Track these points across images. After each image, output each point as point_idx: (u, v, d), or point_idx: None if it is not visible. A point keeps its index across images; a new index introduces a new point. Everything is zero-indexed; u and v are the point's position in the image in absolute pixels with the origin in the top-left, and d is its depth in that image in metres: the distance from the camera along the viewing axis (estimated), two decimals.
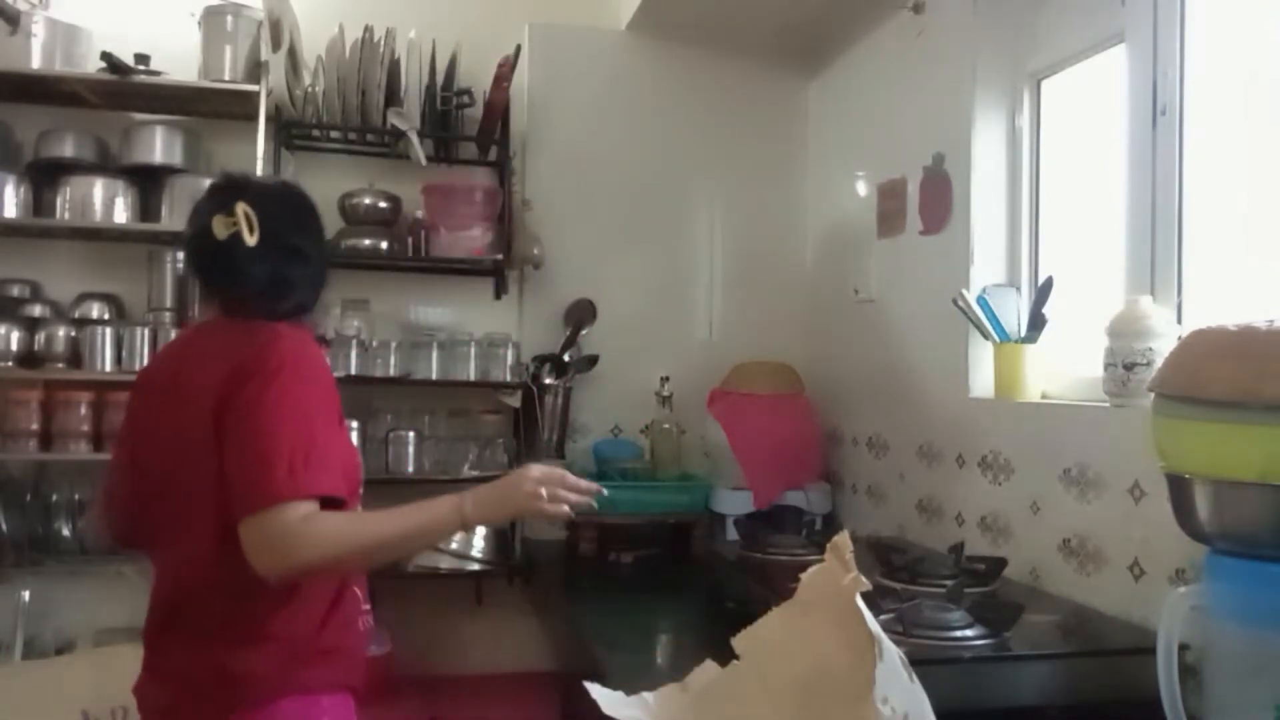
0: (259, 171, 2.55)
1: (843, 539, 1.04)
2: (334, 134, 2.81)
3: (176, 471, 1.35)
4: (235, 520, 1.25)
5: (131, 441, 1.48)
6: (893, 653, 0.98)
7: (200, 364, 1.38)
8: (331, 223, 2.82)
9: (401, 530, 1.34)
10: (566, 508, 1.46)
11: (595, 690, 1.05)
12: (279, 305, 1.43)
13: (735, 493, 2.66)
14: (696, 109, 3.01)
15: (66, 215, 2.54)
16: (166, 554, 1.40)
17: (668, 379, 2.82)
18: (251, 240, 1.37)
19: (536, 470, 1.44)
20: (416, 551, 1.62)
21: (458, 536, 2.54)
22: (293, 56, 2.66)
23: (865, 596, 0.99)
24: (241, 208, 1.38)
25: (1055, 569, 1.80)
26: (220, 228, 1.38)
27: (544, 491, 1.42)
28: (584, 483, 1.47)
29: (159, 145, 2.63)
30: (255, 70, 2.59)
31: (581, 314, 2.86)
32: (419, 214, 2.78)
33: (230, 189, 1.44)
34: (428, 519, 1.36)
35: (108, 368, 2.51)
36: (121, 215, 2.56)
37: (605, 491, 1.47)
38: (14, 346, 2.50)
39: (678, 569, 2.57)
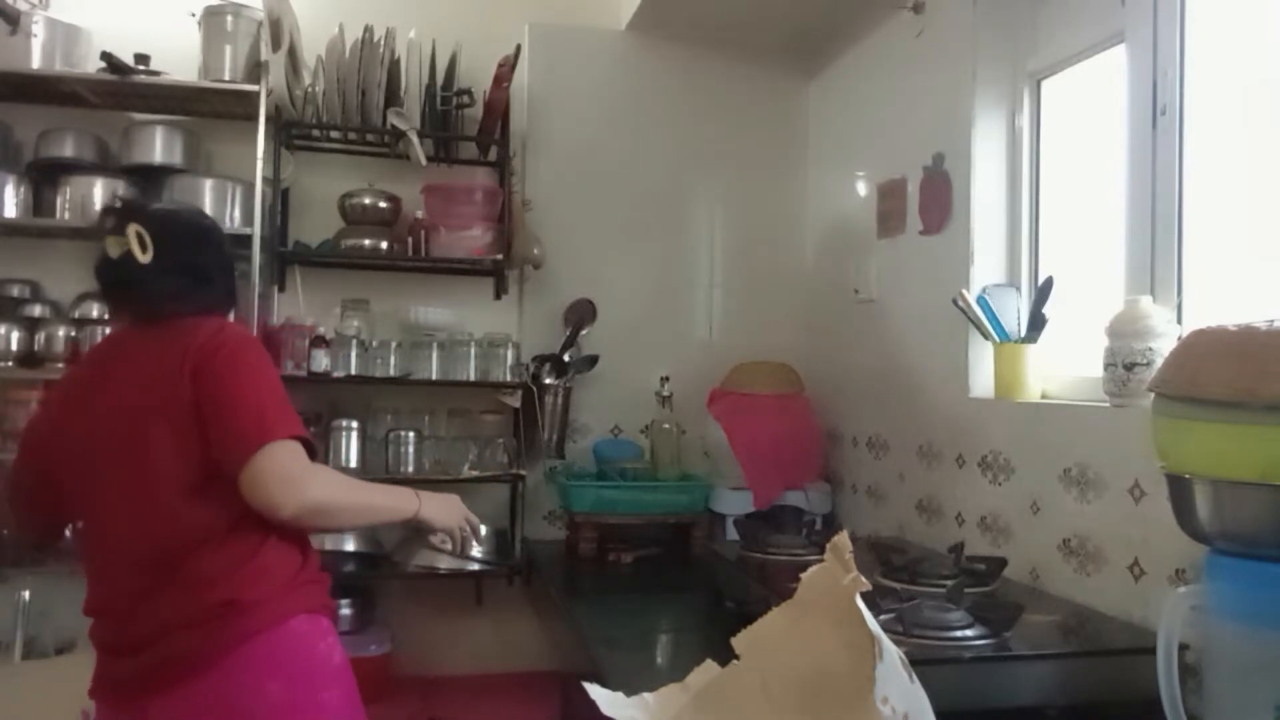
0: (259, 172, 2.56)
1: (842, 539, 1.04)
2: (334, 134, 2.81)
3: (130, 446, 1.46)
4: (229, 470, 1.41)
5: (57, 432, 1.58)
6: (892, 653, 0.98)
7: (145, 352, 1.53)
8: (332, 223, 2.82)
9: (381, 503, 1.62)
10: (451, 544, 1.76)
11: (594, 691, 1.05)
12: (185, 310, 1.57)
13: (735, 493, 2.66)
14: (697, 109, 3.01)
15: (66, 215, 2.54)
16: (125, 524, 1.48)
17: (668, 379, 2.82)
18: (144, 258, 1.54)
19: (463, 509, 1.76)
20: (375, 523, 1.98)
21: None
22: (293, 56, 2.66)
23: (865, 596, 0.98)
24: (133, 229, 1.54)
25: (1055, 569, 1.80)
26: (113, 247, 1.56)
27: (464, 526, 1.74)
28: (477, 534, 1.82)
29: (159, 145, 2.63)
30: (255, 70, 2.59)
31: (581, 314, 2.86)
32: (419, 214, 2.78)
33: (122, 212, 1.60)
34: (398, 503, 1.64)
35: None
36: None
37: (477, 551, 1.81)
38: (14, 346, 2.50)
39: (678, 569, 2.57)
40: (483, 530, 1.70)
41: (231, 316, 1.71)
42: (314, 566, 1.58)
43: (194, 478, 1.44)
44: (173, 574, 1.44)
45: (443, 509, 1.69)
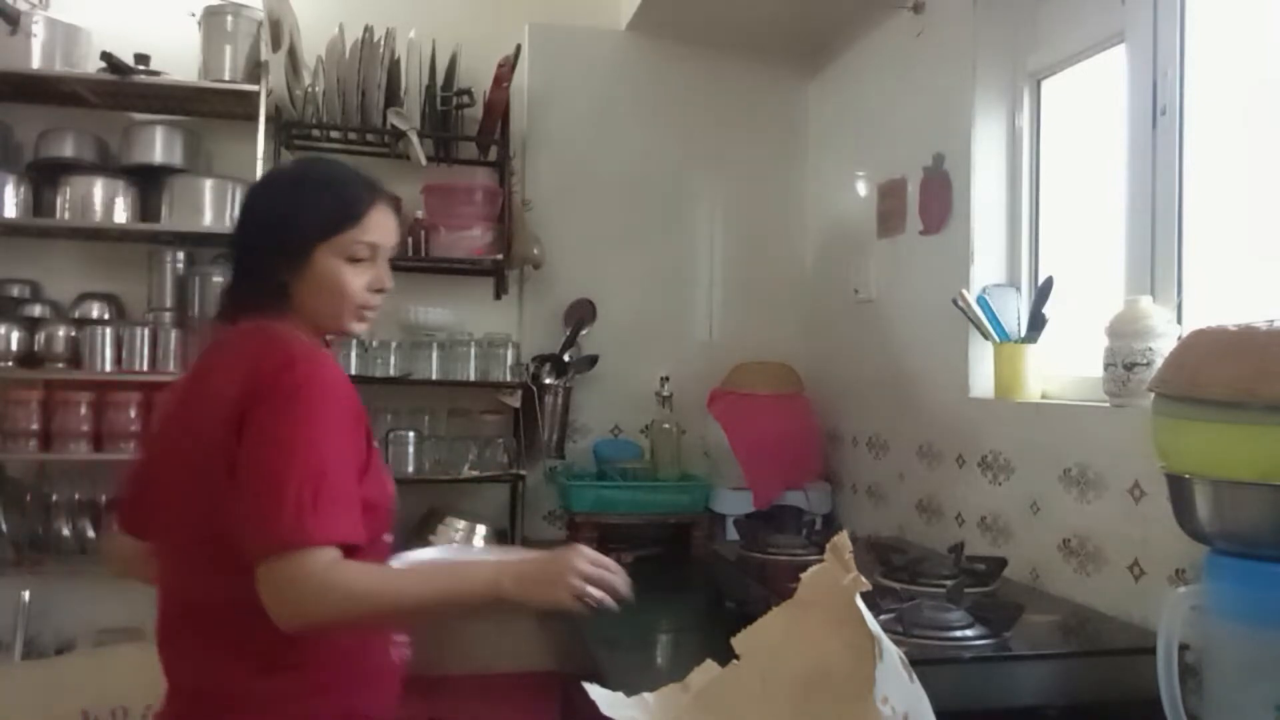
0: (259, 172, 2.55)
1: (842, 539, 1.04)
2: (334, 134, 2.81)
3: (181, 476, 1.29)
4: (246, 555, 1.17)
5: (150, 438, 1.49)
6: (892, 653, 0.98)
7: (209, 368, 1.33)
8: None
9: (429, 596, 1.22)
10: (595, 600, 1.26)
11: (594, 691, 1.05)
12: (233, 313, 1.38)
13: (735, 493, 2.66)
14: (696, 109, 3.01)
15: (66, 215, 2.54)
16: (164, 559, 1.35)
17: (668, 379, 2.82)
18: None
19: (584, 561, 1.25)
20: (441, 619, 1.39)
21: (457, 535, 2.55)
22: (293, 56, 2.66)
23: (865, 596, 0.99)
24: None
25: (1055, 569, 1.80)
26: None
27: (589, 589, 1.23)
28: (624, 583, 1.29)
29: (159, 145, 2.63)
30: (255, 70, 2.59)
31: (581, 314, 2.86)
32: (419, 214, 2.78)
33: None
34: (460, 588, 1.24)
35: (108, 368, 2.51)
36: (121, 215, 2.56)
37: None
38: (14, 346, 2.50)
39: (678, 569, 2.57)
40: (620, 579, 1.27)
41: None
42: (358, 661, 1.29)
43: (228, 536, 1.20)
44: (189, 632, 1.31)
45: (542, 581, 1.22)
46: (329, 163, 1.49)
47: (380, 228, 1.39)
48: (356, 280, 1.36)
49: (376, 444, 1.38)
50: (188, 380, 1.37)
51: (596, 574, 1.24)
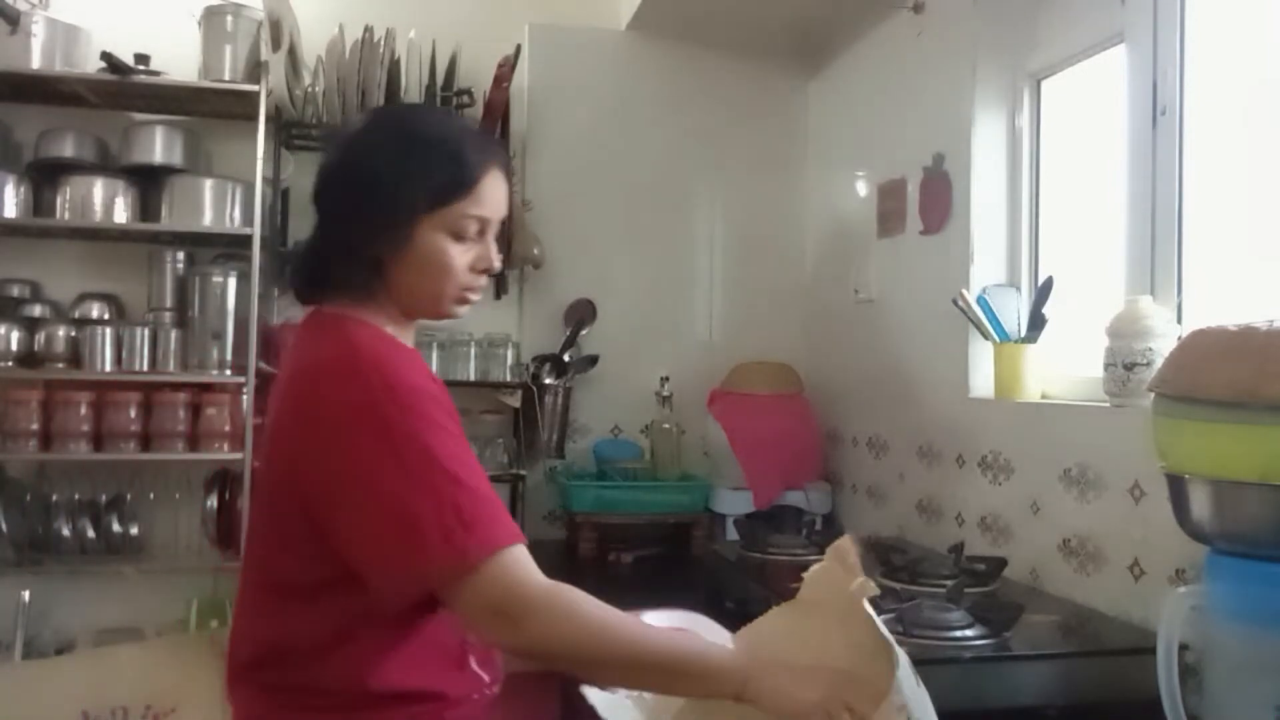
0: (259, 172, 2.55)
1: (846, 542, 1.03)
2: None
3: (255, 501, 1.17)
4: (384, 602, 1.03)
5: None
6: (906, 660, 0.97)
7: (290, 379, 1.14)
8: None
9: (668, 656, 1.02)
10: None
11: (592, 695, 1.04)
12: (309, 296, 1.21)
13: (735, 493, 2.66)
14: (696, 109, 3.01)
15: (66, 215, 2.54)
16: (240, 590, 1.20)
17: (668, 379, 2.82)
18: None
19: (851, 693, 0.99)
20: (651, 687, 1.07)
21: None
22: (293, 56, 2.66)
23: (869, 599, 0.98)
24: None
25: (1055, 569, 1.80)
26: None
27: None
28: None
29: (159, 145, 2.63)
30: (255, 70, 2.59)
31: (581, 314, 2.86)
32: None
33: None
34: (703, 662, 1.02)
35: (108, 368, 2.51)
36: (121, 215, 2.56)
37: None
38: (14, 346, 2.49)
39: (678, 569, 2.57)
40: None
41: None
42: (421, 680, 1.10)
43: (306, 577, 1.06)
44: (250, 674, 1.13)
45: (790, 702, 0.99)
46: (441, 116, 1.24)
47: (492, 198, 1.16)
48: (461, 259, 1.14)
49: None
50: (276, 385, 1.20)
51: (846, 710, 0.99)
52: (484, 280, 1.19)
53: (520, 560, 0.99)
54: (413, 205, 1.11)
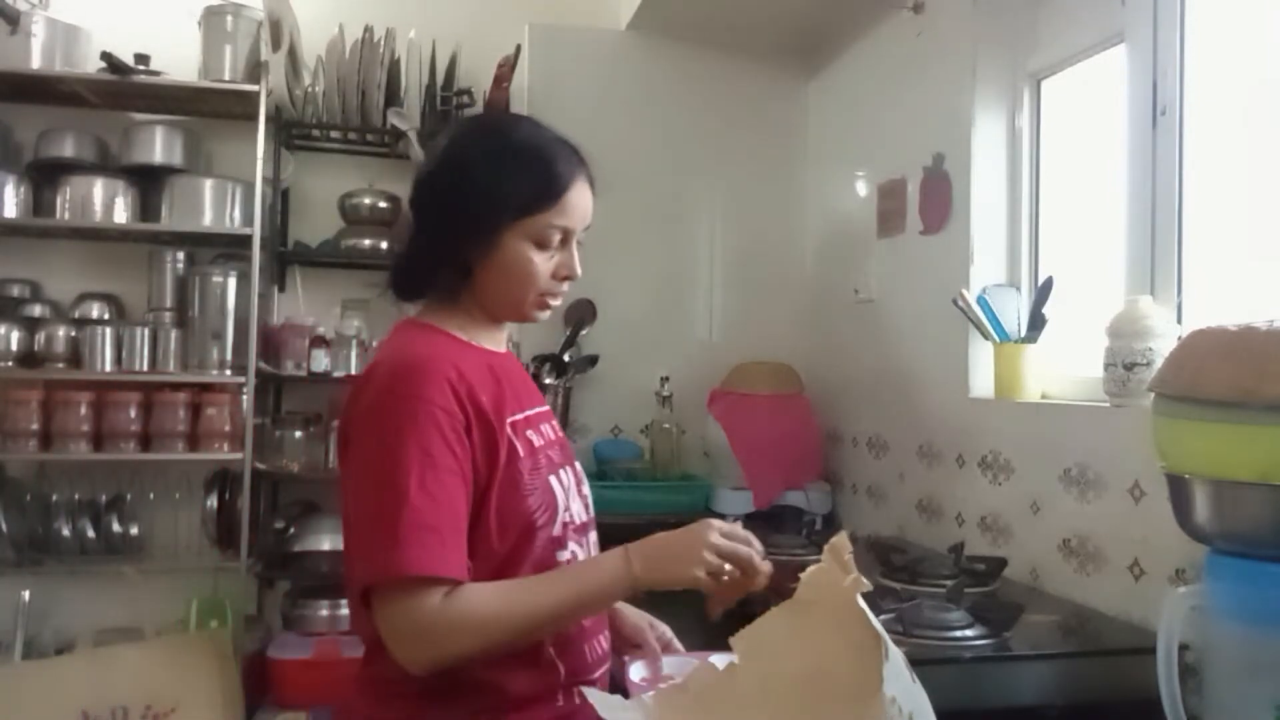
0: (259, 172, 2.55)
1: (841, 540, 1.03)
2: (334, 134, 2.81)
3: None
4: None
5: None
6: (897, 653, 0.98)
7: (358, 379, 1.18)
8: (332, 223, 2.82)
9: (563, 601, 1.08)
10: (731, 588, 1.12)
11: (592, 695, 1.04)
12: (401, 295, 1.24)
13: (735, 493, 2.66)
14: (696, 109, 3.01)
15: (66, 215, 2.54)
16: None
17: (668, 379, 2.82)
18: None
19: (715, 533, 1.10)
20: (581, 618, 1.17)
21: None
22: (293, 56, 2.66)
23: (866, 597, 0.98)
24: None
25: (1055, 569, 1.80)
26: None
27: (723, 566, 1.09)
28: (760, 556, 1.13)
29: (159, 145, 2.63)
30: (255, 70, 2.59)
31: (581, 314, 2.86)
32: None
33: None
34: (592, 586, 1.10)
35: (108, 368, 2.52)
36: (121, 215, 2.56)
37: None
38: (14, 346, 2.50)
39: None
40: (755, 550, 1.13)
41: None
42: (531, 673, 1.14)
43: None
44: (362, 674, 1.18)
45: (673, 558, 1.10)
46: (531, 126, 1.25)
47: (577, 209, 1.19)
48: (544, 266, 1.18)
49: (522, 450, 1.16)
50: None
51: (730, 547, 1.10)
52: (565, 287, 1.22)
53: (427, 591, 1.02)
54: (500, 214, 1.15)
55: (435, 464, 1.05)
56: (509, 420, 1.15)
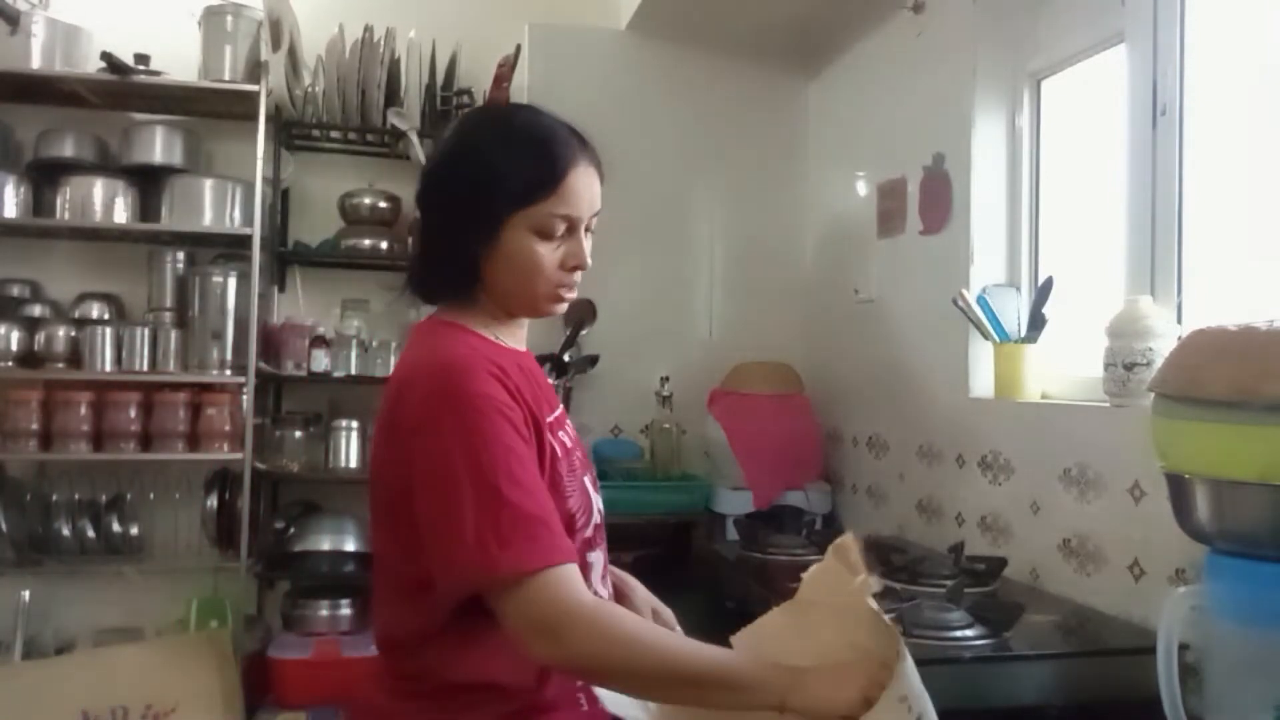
0: (259, 172, 2.55)
1: (847, 540, 1.03)
2: (334, 134, 2.81)
3: (374, 496, 1.16)
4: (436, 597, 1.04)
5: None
6: (908, 657, 0.97)
7: (391, 383, 1.15)
8: (332, 223, 2.82)
9: (705, 670, 1.00)
10: None
11: (602, 693, 1.05)
12: (420, 297, 1.22)
13: (735, 493, 2.66)
14: (696, 109, 3.01)
15: (66, 215, 2.54)
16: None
17: (668, 379, 2.82)
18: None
19: (881, 677, 0.96)
20: (693, 702, 1.05)
21: None
22: (293, 56, 2.66)
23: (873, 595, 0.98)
24: None
25: (1055, 569, 1.80)
26: None
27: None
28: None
29: (159, 145, 2.63)
30: (255, 70, 2.59)
31: (581, 314, 2.85)
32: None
33: None
34: (742, 674, 0.99)
35: (108, 368, 2.51)
36: (121, 215, 2.56)
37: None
38: (14, 346, 2.50)
39: (678, 569, 2.57)
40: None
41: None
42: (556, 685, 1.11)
43: (408, 573, 1.08)
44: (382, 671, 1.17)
45: (830, 704, 0.95)
46: (528, 114, 1.21)
47: (580, 196, 1.13)
48: (550, 257, 1.13)
49: (560, 452, 1.15)
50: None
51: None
52: (578, 277, 1.17)
53: (563, 578, 0.99)
54: (499, 205, 1.11)
55: (518, 456, 1.03)
56: (547, 420, 1.13)
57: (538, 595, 0.97)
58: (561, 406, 1.27)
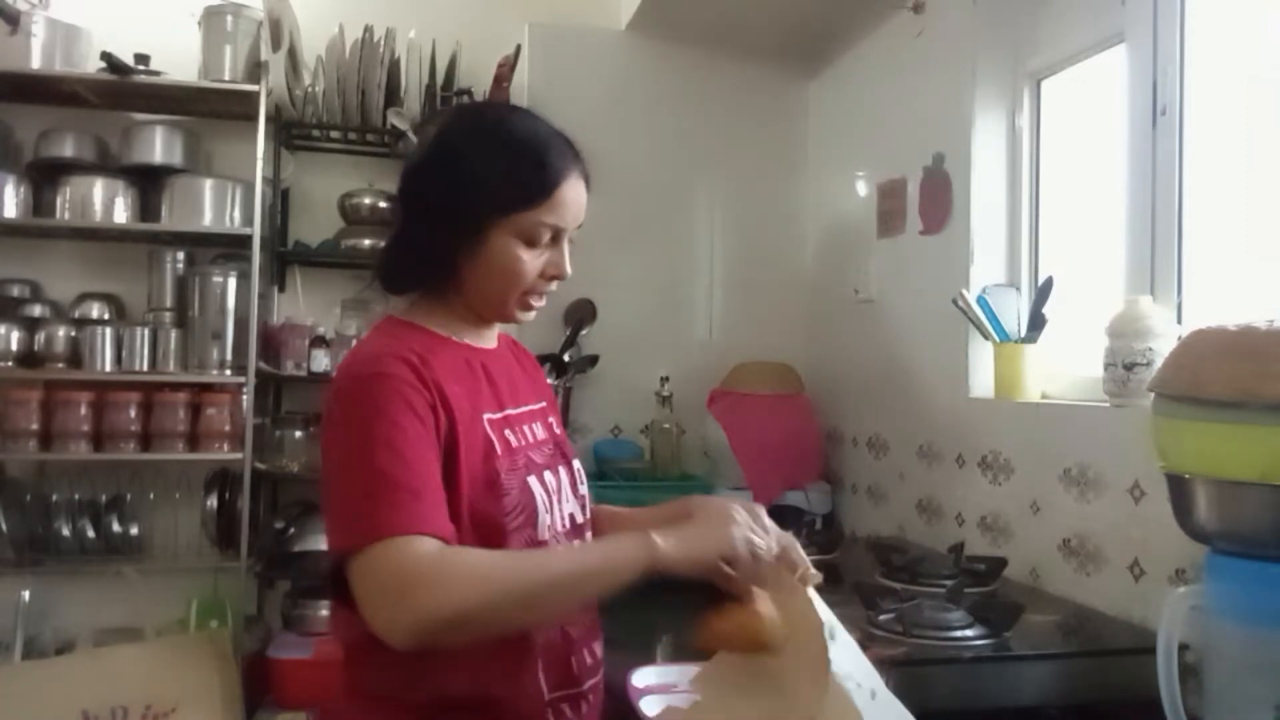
0: (259, 172, 2.55)
1: (788, 538, 1.03)
2: (334, 134, 2.81)
3: None
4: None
5: None
6: (846, 635, 0.97)
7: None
8: (332, 223, 2.82)
9: (571, 571, 1.00)
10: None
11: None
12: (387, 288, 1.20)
13: (735, 493, 2.66)
14: (696, 109, 3.01)
15: (66, 215, 2.54)
16: None
17: (668, 379, 2.82)
18: None
19: (741, 513, 1.04)
20: (590, 598, 1.07)
21: None
22: (293, 56, 2.66)
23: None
24: None
25: (1055, 569, 1.80)
26: None
27: (751, 550, 1.02)
28: (798, 554, 1.06)
29: (159, 145, 2.63)
30: (255, 70, 2.59)
31: (581, 314, 2.86)
32: None
33: None
34: (607, 559, 1.00)
35: (108, 368, 2.52)
36: (121, 215, 2.56)
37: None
38: (14, 346, 2.50)
39: None
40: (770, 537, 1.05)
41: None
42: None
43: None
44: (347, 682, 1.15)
45: (703, 535, 1.02)
46: (523, 118, 1.18)
47: (569, 207, 1.14)
48: (532, 265, 1.13)
49: (500, 449, 1.11)
50: None
51: (752, 540, 1.02)
52: (553, 286, 1.18)
53: (414, 545, 0.93)
54: (488, 209, 1.10)
55: (402, 429, 0.99)
56: (485, 417, 1.11)
57: (380, 562, 0.93)
58: (540, 404, 1.25)
